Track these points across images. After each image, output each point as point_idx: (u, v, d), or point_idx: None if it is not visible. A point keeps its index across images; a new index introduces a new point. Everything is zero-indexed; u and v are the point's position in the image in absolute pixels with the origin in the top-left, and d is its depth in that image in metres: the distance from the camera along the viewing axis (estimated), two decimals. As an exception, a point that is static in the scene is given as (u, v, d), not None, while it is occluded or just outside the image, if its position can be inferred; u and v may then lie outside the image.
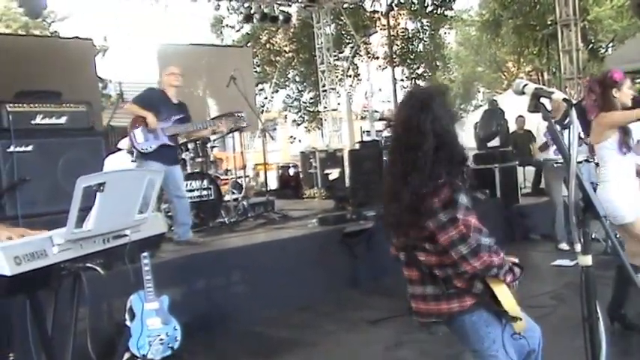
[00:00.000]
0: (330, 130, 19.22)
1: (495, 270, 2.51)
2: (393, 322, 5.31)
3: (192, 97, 12.30)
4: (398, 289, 5.38)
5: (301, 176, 13.36)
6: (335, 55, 20.64)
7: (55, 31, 25.11)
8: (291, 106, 28.28)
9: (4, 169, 5.64)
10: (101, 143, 6.62)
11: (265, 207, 9.22)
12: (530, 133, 10.53)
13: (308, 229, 7.27)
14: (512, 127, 12.18)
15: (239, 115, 7.26)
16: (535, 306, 4.91)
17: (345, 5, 21.09)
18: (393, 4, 24.87)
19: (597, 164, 4.60)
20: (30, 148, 5.83)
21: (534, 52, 25.91)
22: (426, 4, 25.01)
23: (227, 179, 9.75)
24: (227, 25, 26.04)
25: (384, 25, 25.25)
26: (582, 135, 5.01)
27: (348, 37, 25.02)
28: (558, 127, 2.23)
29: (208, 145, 8.51)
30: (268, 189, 10.82)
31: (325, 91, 19.03)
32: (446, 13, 25.71)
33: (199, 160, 8.32)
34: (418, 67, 26.48)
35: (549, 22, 20.78)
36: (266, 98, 26.96)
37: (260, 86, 26.02)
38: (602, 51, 24.55)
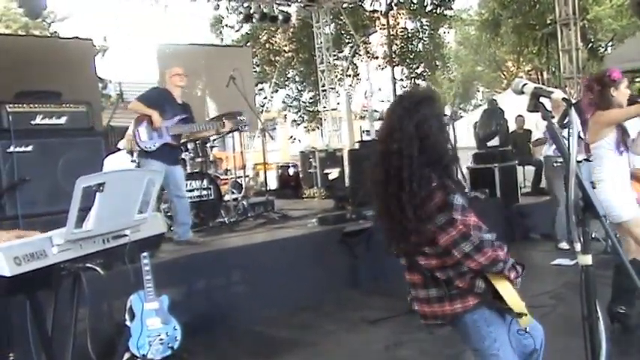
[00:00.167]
0: (329, 130, 19.21)
1: (501, 264, 2.51)
2: (393, 321, 5.32)
3: (192, 97, 12.28)
4: (398, 288, 5.38)
5: (301, 176, 13.33)
6: (334, 55, 20.64)
7: (55, 32, 25.13)
8: (290, 106, 28.28)
9: (4, 170, 5.63)
10: (101, 143, 6.61)
11: (265, 207, 9.22)
12: (530, 133, 10.53)
13: (308, 228, 7.27)
14: (512, 126, 12.18)
15: (240, 118, 7.24)
16: (535, 305, 4.88)
17: (345, 5, 21.07)
18: (393, 4, 24.86)
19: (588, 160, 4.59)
20: (30, 148, 5.83)
21: (534, 52, 25.94)
22: (425, 4, 25.01)
23: (227, 179, 9.75)
24: (226, 25, 26.03)
25: (384, 25, 25.23)
26: (582, 135, 5.02)
27: (348, 37, 25.02)
28: (558, 127, 2.23)
29: (208, 144, 8.51)
30: (268, 189, 10.81)
31: (325, 90, 19.02)
32: (445, 12, 25.71)
33: (199, 159, 8.32)
34: (418, 67, 26.48)
35: (549, 22, 20.78)
36: (265, 98, 26.96)
37: (260, 86, 26.02)
38: (602, 50, 24.57)
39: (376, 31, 26.23)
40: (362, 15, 25.04)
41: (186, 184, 7.31)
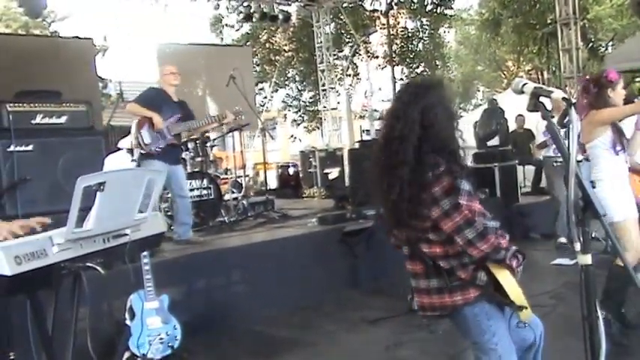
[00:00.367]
0: (329, 130, 19.21)
1: (503, 252, 2.52)
2: (393, 321, 5.32)
3: (192, 97, 12.29)
4: (398, 288, 5.42)
5: (301, 175, 13.35)
6: (334, 55, 20.64)
7: (55, 31, 25.13)
8: (290, 106, 28.27)
9: (4, 169, 5.64)
10: (101, 143, 6.62)
11: (265, 206, 9.22)
12: (530, 132, 10.53)
13: (308, 228, 7.27)
14: (512, 126, 12.18)
15: (236, 108, 7.15)
16: (535, 305, 4.87)
17: (345, 4, 21.07)
18: (393, 3, 24.86)
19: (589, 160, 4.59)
20: (30, 147, 5.84)
21: (534, 51, 25.90)
22: (425, 3, 25.00)
23: (227, 178, 9.75)
24: (226, 25, 26.03)
25: (384, 25, 25.23)
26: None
27: (348, 37, 25.02)
28: (558, 126, 2.23)
29: (208, 144, 8.52)
30: (268, 188, 10.83)
31: (325, 90, 19.02)
32: (445, 12, 25.71)
33: (199, 159, 8.33)
34: (418, 67, 26.47)
35: (549, 21, 20.77)
36: (265, 97, 26.95)
37: (260, 85, 26.01)
38: (602, 50, 24.54)
39: (376, 31, 26.22)
40: (362, 14, 25.04)
41: (187, 184, 7.32)
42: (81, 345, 2.83)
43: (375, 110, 27.07)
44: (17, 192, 5.64)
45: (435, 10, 25.31)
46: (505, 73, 32.75)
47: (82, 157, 6.09)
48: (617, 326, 4.41)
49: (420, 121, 2.54)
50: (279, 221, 8.35)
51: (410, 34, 26.49)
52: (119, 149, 7.80)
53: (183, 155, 8.01)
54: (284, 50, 27.18)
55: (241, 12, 18.95)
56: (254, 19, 17.53)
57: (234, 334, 5.40)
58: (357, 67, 27.39)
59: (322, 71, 18.87)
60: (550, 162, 7.74)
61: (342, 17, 22.57)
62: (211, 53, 15.23)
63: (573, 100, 2.15)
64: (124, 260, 2.63)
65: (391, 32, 25.04)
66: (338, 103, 21.02)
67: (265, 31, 25.60)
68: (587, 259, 2.11)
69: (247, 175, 11.00)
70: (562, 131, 2.19)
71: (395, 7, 25.28)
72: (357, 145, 12.44)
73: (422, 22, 26.32)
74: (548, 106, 2.26)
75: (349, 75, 26.59)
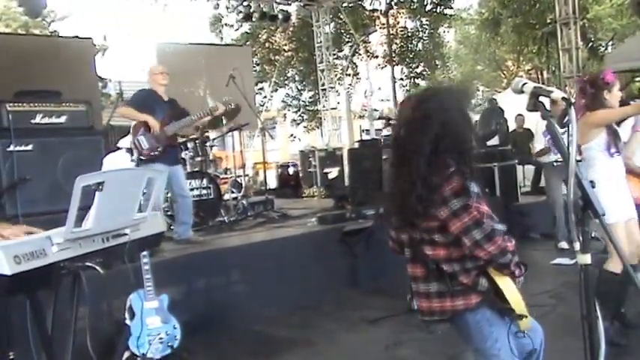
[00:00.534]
0: (329, 129, 19.20)
1: (510, 256, 2.51)
2: (393, 321, 5.32)
3: (193, 97, 12.30)
4: (397, 288, 5.42)
5: (301, 175, 13.35)
6: (334, 54, 20.63)
7: (55, 31, 25.14)
8: (290, 105, 28.28)
9: (4, 169, 5.64)
10: (101, 142, 6.63)
11: (265, 206, 9.23)
12: (530, 132, 10.53)
13: (307, 228, 7.28)
14: (512, 125, 12.18)
15: (226, 98, 7.09)
16: (534, 305, 4.88)
17: (345, 4, 21.07)
18: (393, 3, 24.90)
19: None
20: (30, 147, 5.84)
21: (534, 51, 25.90)
22: (425, 3, 25.00)
23: (226, 178, 9.75)
24: (226, 24, 26.03)
25: (384, 24, 25.26)
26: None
27: (348, 36, 25.01)
28: (557, 126, 2.23)
29: (208, 144, 8.52)
30: (268, 188, 10.83)
31: (324, 90, 19.01)
32: (445, 11, 25.71)
33: (199, 159, 8.33)
34: (417, 66, 26.48)
35: (549, 21, 20.76)
36: (265, 97, 26.96)
37: (259, 85, 26.01)
38: (602, 49, 24.53)
39: (376, 31, 26.20)
40: (362, 14, 25.04)
41: (187, 184, 7.32)
42: (80, 344, 2.82)
43: (375, 110, 27.06)
44: (17, 192, 5.64)
45: (434, 9, 25.32)
46: (505, 72, 32.74)
47: (82, 156, 6.10)
48: (616, 326, 4.41)
49: (437, 121, 2.54)
50: (278, 221, 8.35)
51: (409, 34, 26.49)
52: (118, 149, 7.79)
53: (183, 155, 8.01)
54: (284, 50, 27.18)
55: (241, 11, 18.93)
56: (254, 19, 17.52)
57: (233, 333, 5.40)
58: (356, 66, 27.39)
59: (322, 71, 18.87)
60: (549, 163, 7.74)
61: (341, 17, 22.57)
62: (211, 53, 15.21)
63: (573, 100, 2.15)
64: (124, 260, 2.63)
65: (391, 32, 25.07)
66: (338, 102, 21.03)
67: (265, 30, 25.60)
68: (586, 258, 2.11)
69: (247, 175, 11.01)
70: (561, 131, 2.19)
71: (394, 7, 25.30)
72: (356, 145, 12.44)
73: (421, 21, 26.32)
74: (548, 106, 2.26)
75: (349, 75, 26.58)
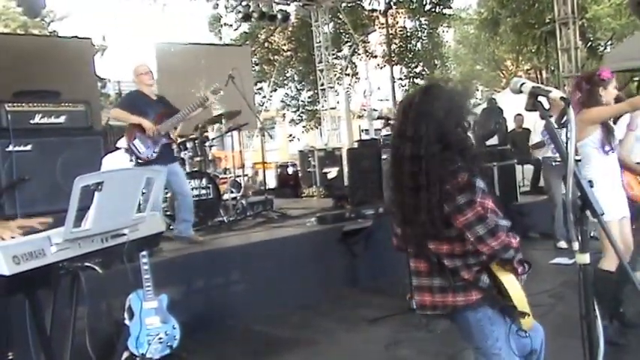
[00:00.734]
0: (328, 129, 19.21)
1: (512, 252, 2.51)
2: (392, 320, 5.32)
3: (192, 96, 12.25)
4: (397, 287, 5.42)
5: (300, 175, 13.33)
6: (333, 54, 20.63)
7: (54, 31, 25.14)
8: (289, 105, 28.29)
9: (3, 169, 5.64)
10: (100, 142, 6.62)
11: (264, 206, 9.22)
12: (529, 132, 10.52)
13: (307, 227, 7.27)
14: (511, 125, 12.18)
15: (215, 86, 7.01)
16: (533, 304, 4.88)
17: (344, 4, 21.09)
18: (392, 3, 24.92)
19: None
20: (29, 147, 5.84)
21: (533, 51, 25.93)
22: (424, 3, 25.04)
23: (226, 178, 9.74)
24: (225, 24, 26.04)
25: (383, 24, 25.28)
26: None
27: (347, 36, 25.02)
28: (556, 126, 2.23)
29: (207, 143, 8.51)
30: (267, 188, 10.82)
31: (324, 89, 19.01)
32: (444, 11, 25.77)
33: (198, 159, 8.32)
34: (416, 66, 26.49)
35: (548, 20, 20.78)
36: (264, 97, 26.97)
37: (258, 85, 26.02)
38: (601, 49, 24.56)
39: (375, 30, 26.23)
40: (361, 14, 25.07)
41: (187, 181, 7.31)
42: (79, 345, 2.83)
43: (374, 109, 27.10)
44: (16, 192, 5.64)
45: (433, 9, 25.35)
46: (504, 72, 32.80)
47: (81, 156, 6.09)
48: (615, 325, 4.41)
49: (442, 118, 2.54)
50: (278, 221, 8.34)
51: (409, 34, 26.51)
52: (117, 149, 7.79)
53: (182, 155, 8.01)
54: (283, 50, 27.21)
55: (240, 11, 18.94)
56: (253, 19, 17.51)
57: (233, 333, 5.40)
58: (355, 66, 27.41)
59: (321, 71, 18.87)
60: (548, 162, 7.74)
61: (340, 17, 22.59)
62: (210, 53, 15.21)
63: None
64: (123, 260, 2.64)
65: (390, 32, 25.08)
66: (337, 102, 21.07)
67: (264, 30, 25.61)
68: (585, 258, 2.11)
69: (246, 175, 11.01)
70: (560, 130, 2.19)
71: (394, 7, 25.32)
72: (355, 145, 12.43)
73: (421, 21, 26.34)
74: (546, 106, 2.26)
75: (348, 74, 26.61)
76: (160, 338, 4.43)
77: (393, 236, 2.85)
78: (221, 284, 5.86)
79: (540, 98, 2.26)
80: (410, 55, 26.21)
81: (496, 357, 2.58)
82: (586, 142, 4.31)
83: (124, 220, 2.65)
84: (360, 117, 31.51)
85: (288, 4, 18.20)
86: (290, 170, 13.60)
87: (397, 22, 26.37)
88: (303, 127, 28.18)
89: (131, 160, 6.18)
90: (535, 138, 7.77)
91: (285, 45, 27.15)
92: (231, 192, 9.03)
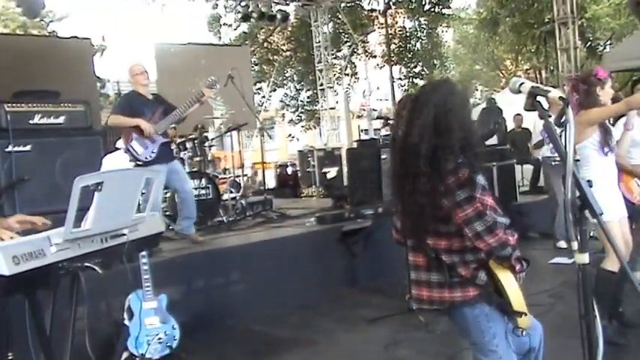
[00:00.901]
0: (328, 129, 19.20)
1: (510, 249, 2.52)
2: (392, 320, 5.32)
3: (191, 96, 12.27)
4: (396, 287, 5.41)
5: (299, 175, 13.33)
6: (333, 54, 20.62)
7: (53, 31, 25.11)
8: (288, 105, 28.28)
9: (2, 169, 5.63)
10: (99, 143, 6.60)
11: (263, 206, 9.22)
12: (528, 131, 10.55)
13: (306, 227, 7.26)
14: (510, 125, 12.18)
15: (210, 80, 6.96)
16: (533, 304, 4.88)
17: (343, 4, 21.09)
18: (391, 3, 24.92)
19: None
20: (28, 147, 5.82)
21: (532, 50, 25.94)
22: (423, 3, 25.03)
23: (225, 178, 9.75)
24: (224, 24, 26.04)
25: (382, 24, 25.28)
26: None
27: (346, 36, 25.02)
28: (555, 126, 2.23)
29: (206, 144, 8.51)
30: (266, 188, 10.82)
31: (323, 89, 19.01)
32: (443, 11, 25.74)
33: (197, 159, 8.33)
34: (416, 66, 26.48)
35: (547, 20, 20.78)
36: (264, 97, 26.97)
37: (258, 85, 26.02)
38: (600, 49, 24.56)
39: (374, 30, 26.24)
40: (360, 14, 25.06)
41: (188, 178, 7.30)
42: (79, 345, 2.83)
43: (374, 109, 27.10)
44: (15, 192, 5.63)
45: (432, 9, 25.34)
46: (503, 72, 32.82)
47: (80, 157, 6.08)
48: (614, 325, 4.42)
49: (443, 115, 2.56)
50: (277, 221, 8.34)
51: (408, 34, 26.50)
52: (117, 149, 7.79)
53: (182, 155, 8.01)
54: (282, 50, 27.21)
55: (239, 11, 18.94)
56: (252, 19, 17.51)
57: (232, 333, 5.41)
58: (355, 66, 27.41)
59: (320, 71, 18.87)
60: (548, 162, 7.73)
61: (340, 17, 22.59)
62: (210, 53, 15.21)
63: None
64: (122, 260, 2.64)
65: (389, 32, 25.09)
66: (336, 102, 21.08)
67: (263, 30, 25.60)
68: (584, 258, 2.12)
69: (245, 175, 11.00)
70: (559, 130, 2.20)
71: (393, 7, 25.32)
72: (355, 145, 12.43)
73: (420, 21, 26.32)
74: (545, 106, 2.26)
75: (347, 74, 26.61)
76: (160, 338, 4.44)
77: (394, 230, 2.86)
78: (220, 284, 5.86)
79: (539, 98, 2.26)
80: (409, 55, 26.20)
81: (493, 353, 2.59)
82: (585, 143, 4.31)
83: (124, 221, 2.65)
84: (359, 117, 31.53)
85: (288, 4, 18.20)
86: (289, 170, 13.59)
87: (396, 22, 26.36)
88: (303, 127, 28.18)
89: (131, 161, 6.18)
90: (537, 139, 7.77)
91: (284, 45, 27.15)
92: (231, 192, 9.04)
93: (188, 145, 8.18)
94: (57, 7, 26.64)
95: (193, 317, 5.15)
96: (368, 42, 27.03)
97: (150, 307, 4.47)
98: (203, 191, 7.94)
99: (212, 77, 6.70)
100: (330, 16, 19.83)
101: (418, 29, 26.56)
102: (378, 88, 28.33)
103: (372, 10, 25.43)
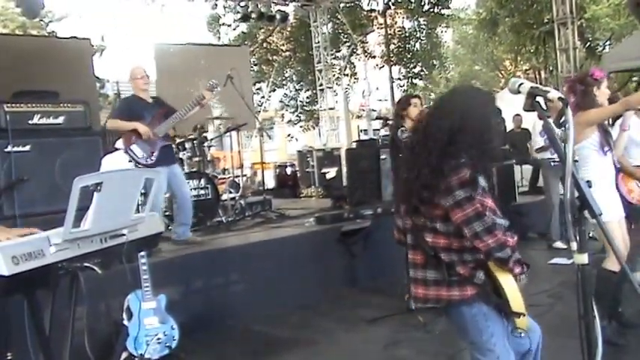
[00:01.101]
0: (327, 129, 19.19)
1: (508, 251, 2.52)
2: (391, 320, 5.33)
3: (191, 97, 12.23)
4: (395, 287, 5.42)
5: (298, 175, 13.33)
6: (332, 54, 20.60)
7: (53, 31, 25.09)
8: (288, 106, 28.27)
9: (2, 169, 5.63)
10: (99, 143, 6.60)
11: (263, 206, 9.23)
12: (527, 132, 10.53)
13: (305, 228, 7.27)
14: (510, 125, 12.18)
15: (211, 83, 6.95)
16: (532, 304, 4.89)
17: (342, 4, 21.08)
18: (390, 3, 24.92)
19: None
20: (27, 148, 5.82)
21: (531, 51, 25.93)
22: (422, 3, 25.01)
23: (224, 178, 9.75)
24: (224, 24, 26.04)
25: (381, 24, 25.27)
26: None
27: (345, 36, 25.01)
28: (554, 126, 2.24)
29: (206, 144, 8.50)
30: (265, 188, 10.83)
31: (322, 90, 18.99)
32: (443, 11, 25.71)
33: (197, 159, 8.32)
34: (415, 66, 26.48)
35: (546, 21, 20.78)
36: (263, 97, 26.96)
37: (257, 85, 26.01)
38: (600, 49, 24.55)
39: (374, 31, 26.22)
40: (359, 14, 25.05)
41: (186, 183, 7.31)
42: (78, 345, 2.83)
43: (373, 110, 27.10)
44: (15, 192, 5.63)
45: (432, 9, 25.32)
46: (502, 72, 32.83)
47: (80, 157, 6.08)
48: (613, 325, 4.42)
49: (457, 113, 2.59)
50: (276, 221, 8.35)
51: (407, 34, 26.49)
52: (117, 149, 7.78)
53: (181, 155, 8.00)
54: (281, 50, 27.20)
55: (238, 12, 18.93)
56: (251, 19, 17.50)
57: (232, 333, 5.40)
58: (354, 66, 27.39)
59: (320, 71, 18.85)
60: (547, 162, 7.74)
61: (339, 17, 22.58)
62: (209, 53, 15.20)
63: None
64: (122, 260, 2.64)
65: (388, 32, 25.08)
66: (335, 102, 21.07)
67: (262, 30, 25.60)
68: (583, 258, 2.12)
69: (245, 175, 11.00)
70: (558, 131, 2.20)
71: (392, 7, 25.31)
72: (354, 145, 12.43)
73: (419, 21, 26.30)
74: (544, 106, 2.27)
75: (347, 75, 26.59)
76: (159, 338, 4.44)
77: (395, 230, 2.87)
78: (220, 284, 5.86)
79: (538, 98, 2.26)
80: (408, 56, 26.18)
81: (490, 352, 2.59)
82: (584, 144, 4.31)
83: (123, 221, 2.65)
84: (358, 117, 31.52)
85: (287, 5, 18.18)
86: (288, 170, 13.59)
87: (396, 23, 26.36)
88: (302, 127, 28.17)
89: (130, 161, 6.17)
90: (537, 140, 7.76)
91: (283, 45, 27.14)
92: (230, 192, 9.04)
93: (187, 145, 8.18)
94: (56, 7, 26.65)
95: (192, 317, 5.14)
96: (367, 42, 27.02)
97: (149, 307, 4.47)
98: (202, 191, 7.94)
99: (213, 80, 6.70)
100: (329, 16, 19.82)
101: (417, 29, 26.54)
102: (377, 88, 28.31)
103: (372, 11, 25.43)
